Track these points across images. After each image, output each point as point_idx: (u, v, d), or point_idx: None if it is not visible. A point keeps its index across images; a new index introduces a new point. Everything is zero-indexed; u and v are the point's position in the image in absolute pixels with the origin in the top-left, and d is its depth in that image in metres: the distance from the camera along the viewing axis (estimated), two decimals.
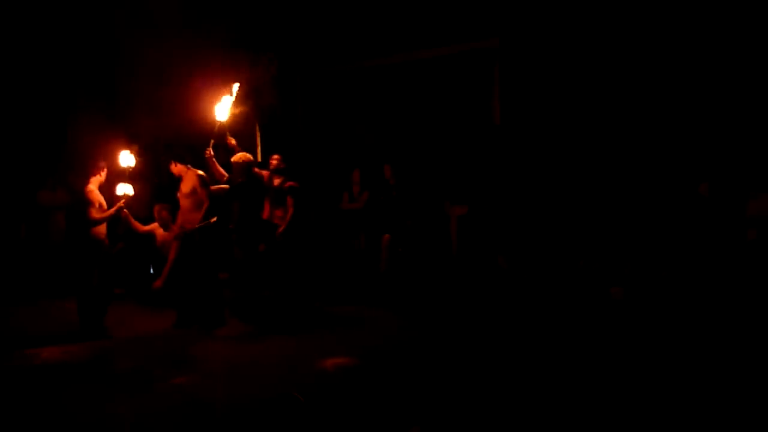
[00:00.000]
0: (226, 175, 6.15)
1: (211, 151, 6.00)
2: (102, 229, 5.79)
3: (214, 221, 5.91)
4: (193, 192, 5.89)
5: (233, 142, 6.21)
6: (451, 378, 4.39)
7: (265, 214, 6.55)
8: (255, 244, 6.21)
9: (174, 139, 8.14)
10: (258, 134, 8.99)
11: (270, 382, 4.37)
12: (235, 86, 5.94)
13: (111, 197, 5.87)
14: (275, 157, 6.87)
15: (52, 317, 6.52)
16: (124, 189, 5.85)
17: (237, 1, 9.53)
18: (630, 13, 7.38)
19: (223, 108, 5.92)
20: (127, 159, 5.87)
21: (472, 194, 8.01)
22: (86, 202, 5.68)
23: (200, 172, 5.98)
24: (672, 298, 6.14)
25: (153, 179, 8.24)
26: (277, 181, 6.72)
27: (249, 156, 6.32)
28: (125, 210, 5.94)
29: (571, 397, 3.96)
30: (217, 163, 6.10)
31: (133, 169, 5.96)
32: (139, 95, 9.08)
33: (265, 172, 6.67)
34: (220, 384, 4.38)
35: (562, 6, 7.82)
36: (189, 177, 5.94)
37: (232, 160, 6.18)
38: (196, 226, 5.87)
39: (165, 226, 6.61)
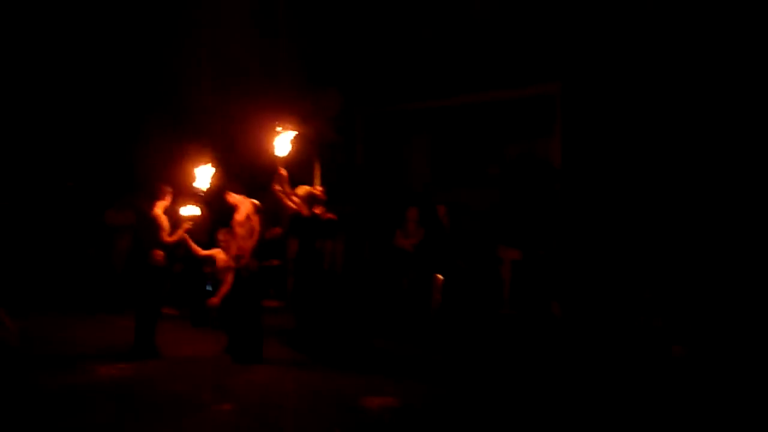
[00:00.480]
0: (294, 206, 6.25)
1: (277, 186, 6.12)
2: (162, 251, 5.98)
3: (277, 264, 6.01)
4: (247, 220, 6.00)
5: (284, 173, 6.29)
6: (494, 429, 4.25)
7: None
8: (311, 276, 6.26)
9: (235, 168, 8.40)
10: (317, 168, 9.16)
11: (313, 416, 4.35)
12: (294, 131, 6.06)
13: (173, 219, 6.07)
14: (319, 188, 6.90)
15: (109, 333, 6.73)
16: (191, 210, 6.02)
17: (304, 40, 9.88)
18: (700, 53, 7.16)
19: (283, 143, 6.04)
20: (202, 180, 6.06)
21: (527, 238, 7.88)
22: (157, 226, 5.90)
23: (255, 201, 6.09)
24: (737, 360, 5.79)
25: (214, 204, 8.46)
26: (317, 211, 6.72)
27: (311, 189, 6.44)
28: (185, 233, 6.12)
29: None
30: (284, 197, 6.21)
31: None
32: (206, 123, 9.48)
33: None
34: (263, 414, 4.38)
35: (624, 49, 7.71)
36: (244, 205, 6.07)
37: (298, 193, 6.32)
38: (255, 263, 5.96)
39: (227, 250, 6.80)
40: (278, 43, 10.08)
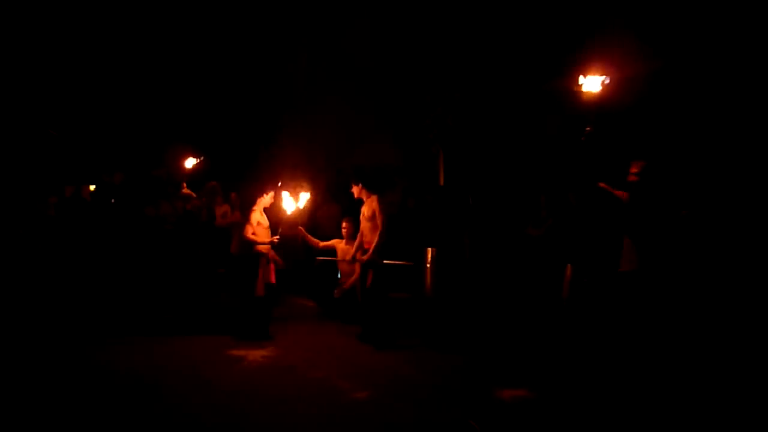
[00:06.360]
0: None
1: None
2: (263, 247, 6.29)
3: (408, 265, 6.16)
4: (372, 216, 6.09)
5: None
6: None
7: None
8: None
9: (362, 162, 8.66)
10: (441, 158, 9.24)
11: (448, 405, 4.43)
12: None
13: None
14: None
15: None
16: (290, 205, 6.41)
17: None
18: None
19: None
20: (289, 204, 6.42)
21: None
22: (244, 222, 6.33)
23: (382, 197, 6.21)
24: None
25: (343, 200, 8.76)
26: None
27: None
28: (300, 227, 6.68)
29: None
30: None
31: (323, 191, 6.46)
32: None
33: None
34: (398, 403, 4.52)
35: None
36: (370, 201, 6.17)
37: None
38: (385, 262, 6.08)
39: (348, 239, 7.02)
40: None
